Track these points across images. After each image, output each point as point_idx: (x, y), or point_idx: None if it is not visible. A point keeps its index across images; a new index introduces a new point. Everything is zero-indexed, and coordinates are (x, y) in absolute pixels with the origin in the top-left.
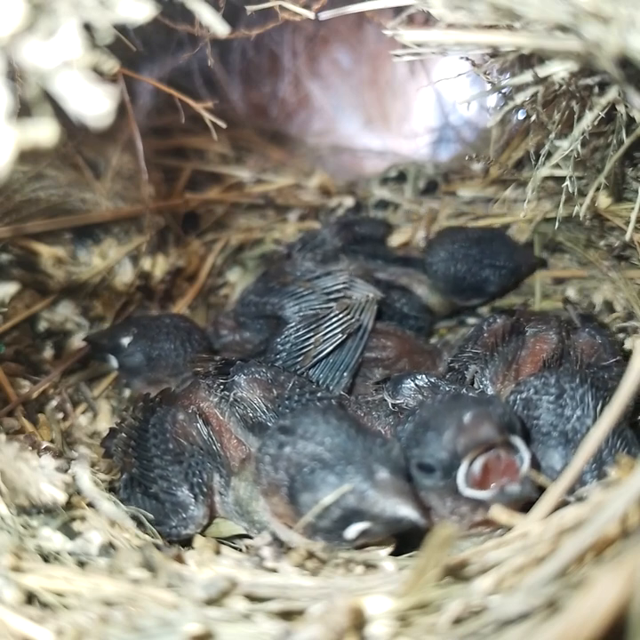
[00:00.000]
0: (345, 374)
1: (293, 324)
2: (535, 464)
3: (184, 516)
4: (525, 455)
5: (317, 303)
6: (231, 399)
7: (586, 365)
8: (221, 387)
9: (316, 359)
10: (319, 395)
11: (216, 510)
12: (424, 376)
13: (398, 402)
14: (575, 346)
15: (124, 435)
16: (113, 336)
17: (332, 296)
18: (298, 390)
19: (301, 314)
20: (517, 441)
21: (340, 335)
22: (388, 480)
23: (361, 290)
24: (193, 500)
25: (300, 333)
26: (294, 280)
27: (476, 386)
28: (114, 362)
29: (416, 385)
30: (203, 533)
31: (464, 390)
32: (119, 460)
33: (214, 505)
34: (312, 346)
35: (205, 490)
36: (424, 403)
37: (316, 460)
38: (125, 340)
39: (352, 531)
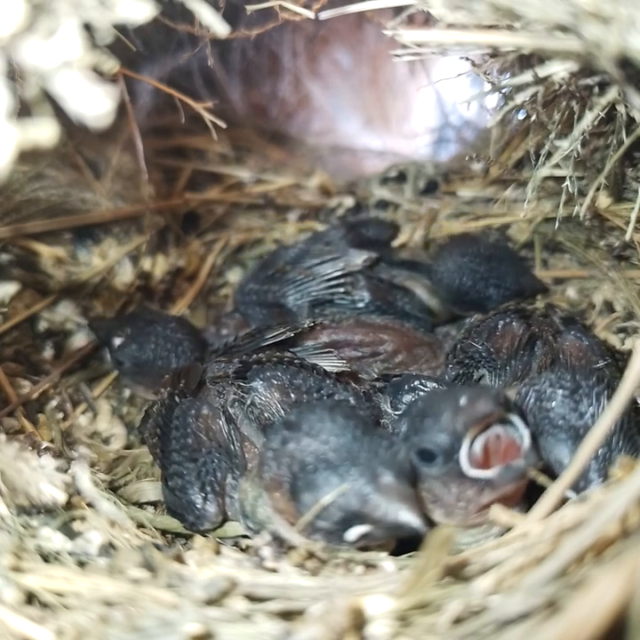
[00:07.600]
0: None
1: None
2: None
3: (197, 514)
4: (525, 432)
5: (318, 290)
6: (248, 403)
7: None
8: (237, 390)
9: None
10: (336, 397)
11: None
12: (424, 381)
13: (399, 413)
14: (563, 349)
15: (152, 422)
16: (109, 331)
17: (332, 282)
18: (315, 394)
19: (302, 301)
20: (515, 418)
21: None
22: (392, 484)
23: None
24: (202, 499)
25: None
26: (294, 268)
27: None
28: (107, 355)
29: (417, 394)
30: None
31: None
32: (150, 449)
33: (224, 505)
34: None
35: (217, 489)
36: (420, 397)
37: (319, 459)
38: (117, 340)
39: (353, 533)
